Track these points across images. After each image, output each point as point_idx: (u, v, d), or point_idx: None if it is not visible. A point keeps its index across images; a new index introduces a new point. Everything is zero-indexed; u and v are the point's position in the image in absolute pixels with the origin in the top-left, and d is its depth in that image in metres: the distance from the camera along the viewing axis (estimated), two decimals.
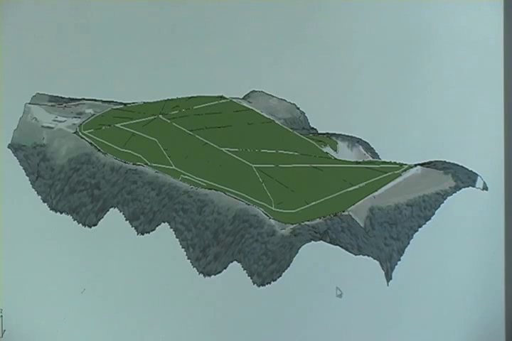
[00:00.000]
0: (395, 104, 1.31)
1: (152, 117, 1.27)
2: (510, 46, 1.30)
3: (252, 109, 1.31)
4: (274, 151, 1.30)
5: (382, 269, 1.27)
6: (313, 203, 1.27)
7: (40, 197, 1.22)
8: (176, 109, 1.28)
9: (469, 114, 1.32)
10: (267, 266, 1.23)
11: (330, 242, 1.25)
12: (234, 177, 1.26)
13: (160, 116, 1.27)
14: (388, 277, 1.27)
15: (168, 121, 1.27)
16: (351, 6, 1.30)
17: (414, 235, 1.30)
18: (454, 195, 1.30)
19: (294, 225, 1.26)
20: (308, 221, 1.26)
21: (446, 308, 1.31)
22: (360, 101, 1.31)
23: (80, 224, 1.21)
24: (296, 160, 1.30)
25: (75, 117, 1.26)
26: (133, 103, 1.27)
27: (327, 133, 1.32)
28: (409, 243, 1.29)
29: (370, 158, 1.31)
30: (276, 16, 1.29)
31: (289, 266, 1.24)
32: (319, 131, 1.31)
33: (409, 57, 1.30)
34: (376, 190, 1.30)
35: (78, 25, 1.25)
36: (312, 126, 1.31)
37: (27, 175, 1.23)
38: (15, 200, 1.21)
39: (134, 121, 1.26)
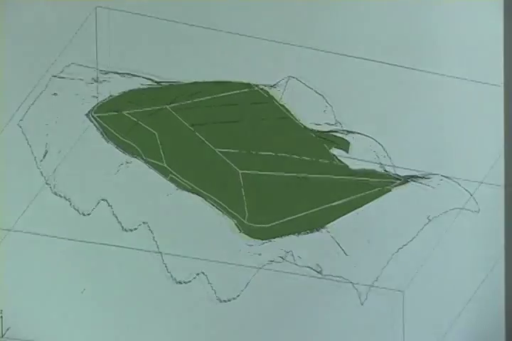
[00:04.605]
0: (394, 104, 1.30)
1: (160, 107, 1.26)
2: (510, 46, 1.30)
3: (273, 102, 1.28)
4: (272, 154, 1.27)
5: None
6: (290, 218, 1.25)
7: (43, 178, 1.25)
8: (194, 96, 1.26)
9: (469, 114, 1.31)
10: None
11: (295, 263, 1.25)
12: (218, 183, 1.26)
13: (167, 106, 1.26)
14: (361, 300, 1.27)
15: (174, 113, 1.27)
16: (350, 6, 1.29)
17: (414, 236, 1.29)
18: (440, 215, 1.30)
19: (264, 241, 1.25)
20: (279, 237, 1.24)
21: (446, 308, 1.30)
22: (359, 101, 1.30)
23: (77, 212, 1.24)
24: (291, 166, 1.27)
25: (94, 97, 1.26)
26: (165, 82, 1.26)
27: (346, 131, 1.29)
28: (387, 263, 1.28)
29: (381, 162, 1.29)
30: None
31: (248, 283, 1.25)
32: (343, 128, 1.29)
33: (408, 57, 1.30)
34: (361, 206, 1.27)
35: None
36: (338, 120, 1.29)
37: (33, 153, 1.25)
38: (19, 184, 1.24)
39: (141, 110, 1.24)
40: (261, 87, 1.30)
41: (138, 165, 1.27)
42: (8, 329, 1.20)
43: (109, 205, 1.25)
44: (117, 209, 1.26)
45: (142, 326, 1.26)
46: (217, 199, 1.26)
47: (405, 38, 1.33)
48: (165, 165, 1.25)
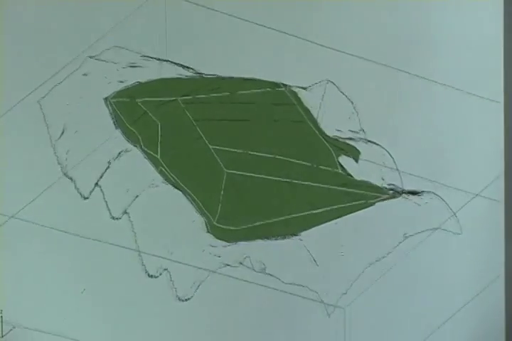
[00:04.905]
0: (393, 104, 1.27)
1: (171, 98, 1.25)
2: (510, 46, 1.29)
3: (295, 105, 1.24)
4: (269, 156, 1.23)
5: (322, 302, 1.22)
6: (262, 223, 1.21)
7: (56, 158, 1.26)
8: (214, 91, 1.25)
9: (469, 115, 1.29)
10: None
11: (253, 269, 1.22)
12: (201, 180, 1.23)
13: (178, 99, 1.24)
14: (328, 312, 1.23)
15: (182, 106, 1.25)
16: (350, 5, 1.26)
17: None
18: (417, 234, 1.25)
19: (229, 244, 1.21)
20: (245, 241, 1.21)
21: (446, 308, 1.27)
22: (358, 102, 1.26)
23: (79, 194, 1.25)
24: (284, 170, 1.23)
25: (120, 81, 1.27)
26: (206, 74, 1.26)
27: (365, 139, 1.26)
28: (357, 278, 1.23)
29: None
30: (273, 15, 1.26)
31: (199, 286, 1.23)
32: (366, 136, 1.26)
33: (407, 57, 1.28)
34: (340, 217, 1.23)
35: None
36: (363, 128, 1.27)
37: (48, 133, 1.27)
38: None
39: (153, 99, 1.23)
40: (292, 88, 1.26)
41: (135, 154, 1.26)
42: (11, 330, 1.22)
43: (101, 191, 1.24)
44: (108, 195, 1.25)
45: (113, 316, 1.25)
46: (194, 196, 1.23)
47: (401, 37, 1.30)
48: (158, 157, 1.24)
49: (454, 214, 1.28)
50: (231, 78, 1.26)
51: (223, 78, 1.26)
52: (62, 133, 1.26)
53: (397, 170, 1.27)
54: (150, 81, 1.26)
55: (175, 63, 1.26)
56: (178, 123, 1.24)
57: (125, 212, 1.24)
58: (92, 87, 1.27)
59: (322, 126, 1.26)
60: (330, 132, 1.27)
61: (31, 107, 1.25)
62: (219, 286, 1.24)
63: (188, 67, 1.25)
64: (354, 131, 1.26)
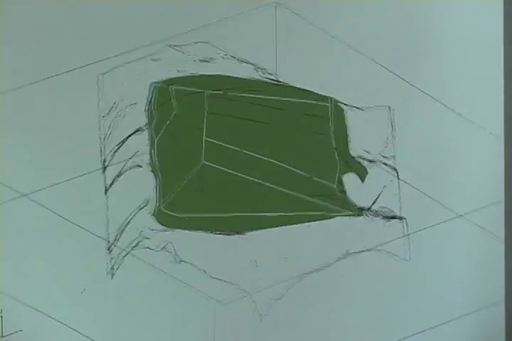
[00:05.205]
0: (392, 104, 1.27)
1: (200, 90, 1.25)
2: (510, 46, 1.30)
3: (328, 119, 1.23)
4: (263, 157, 1.21)
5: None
6: (209, 215, 1.19)
7: (99, 132, 1.28)
8: (251, 92, 1.24)
9: (469, 115, 1.30)
10: None
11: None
12: (177, 167, 1.21)
13: (206, 91, 1.24)
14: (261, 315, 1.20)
15: (205, 98, 1.24)
16: (350, 5, 1.27)
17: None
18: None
19: (168, 229, 1.19)
20: (186, 230, 1.19)
21: (446, 308, 1.28)
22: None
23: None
24: (272, 173, 1.21)
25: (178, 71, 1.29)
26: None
27: (383, 163, 1.24)
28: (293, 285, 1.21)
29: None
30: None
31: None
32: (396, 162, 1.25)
33: (408, 57, 1.29)
34: (291, 224, 1.20)
35: None
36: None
37: (98, 107, 1.30)
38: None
39: (183, 88, 1.26)
40: (340, 104, 1.24)
41: (143, 135, 1.25)
42: (17, 332, 1.22)
43: (103, 170, 1.25)
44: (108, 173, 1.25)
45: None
46: (161, 180, 1.21)
47: (401, 37, 1.30)
48: (156, 140, 1.23)
49: (407, 235, 1.24)
50: (278, 84, 1.24)
51: (272, 83, 1.24)
52: (110, 109, 1.26)
53: (399, 196, 1.24)
54: (201, 74, 1.26)
55: (257, 66, 1.26)
56: (191, 113, 1.23)
57: (107, 190, 1.23)
58: (152, 72, 1.28)
59: (360, 146, 1.24)
60: (355, 152, 1.24)
61: (88, 78, 1.26)
62: (138, 268, 1.21)
63: (267, 72, 1.25)
64: (386, 157, 1.24)
